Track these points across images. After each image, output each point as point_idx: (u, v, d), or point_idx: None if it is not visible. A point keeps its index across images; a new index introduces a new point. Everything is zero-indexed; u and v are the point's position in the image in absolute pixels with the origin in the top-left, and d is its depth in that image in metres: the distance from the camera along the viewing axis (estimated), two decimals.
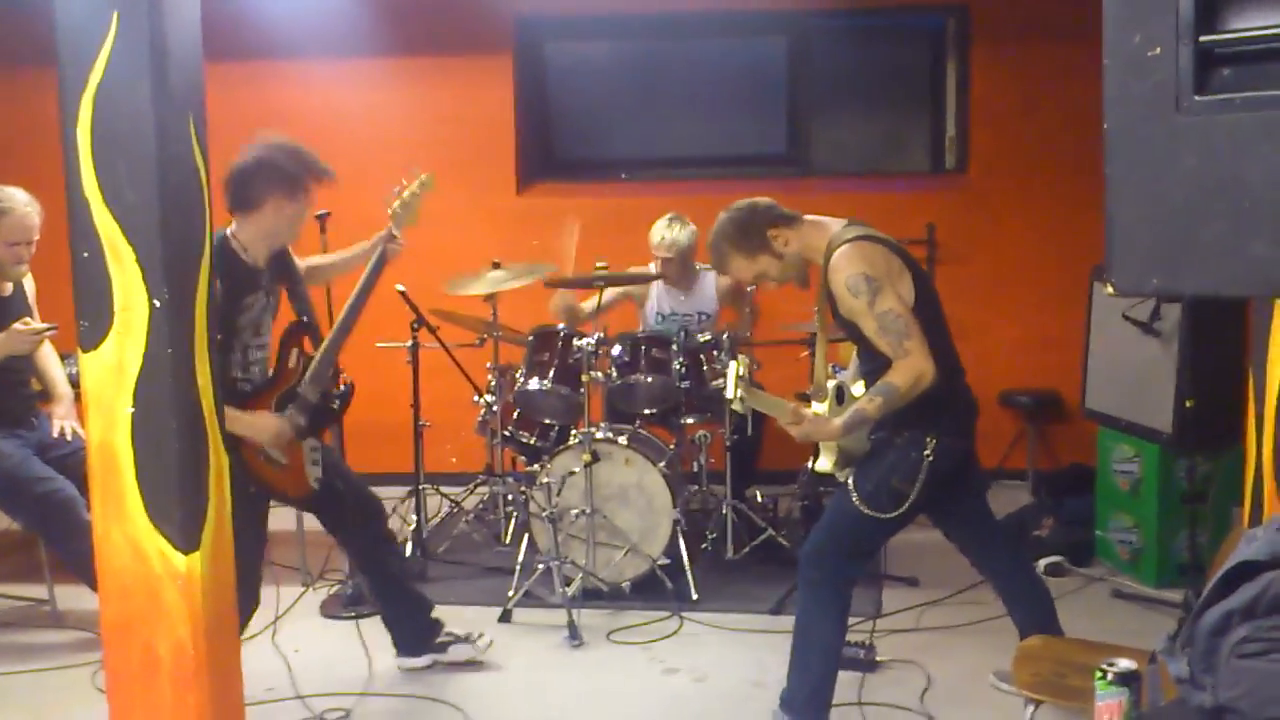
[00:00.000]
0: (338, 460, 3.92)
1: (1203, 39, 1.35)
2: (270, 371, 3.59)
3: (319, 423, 3.64)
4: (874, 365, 3.24)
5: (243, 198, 3.44)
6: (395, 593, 4.01)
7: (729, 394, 3.10)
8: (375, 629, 4.10)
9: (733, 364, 3.12)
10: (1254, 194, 1.33)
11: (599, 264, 4.77)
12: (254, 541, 3.52)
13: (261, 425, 3.46)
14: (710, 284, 5.45)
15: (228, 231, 3.45)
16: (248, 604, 3.35)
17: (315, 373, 3.58)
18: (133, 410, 2.56)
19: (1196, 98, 1.36)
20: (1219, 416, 4.26)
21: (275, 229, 3.49)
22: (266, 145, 3.47)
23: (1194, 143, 1.37)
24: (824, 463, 3.41)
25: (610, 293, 5.31)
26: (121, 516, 2.61)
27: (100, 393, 2.58)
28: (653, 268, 5.46)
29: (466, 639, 4.07)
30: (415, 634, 4.03)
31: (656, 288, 5.53)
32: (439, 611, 4.09)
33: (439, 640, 4.05)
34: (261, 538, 3.66)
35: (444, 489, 5.82)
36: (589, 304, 5.20)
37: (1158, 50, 1.38)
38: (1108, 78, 1.43)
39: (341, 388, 3.76)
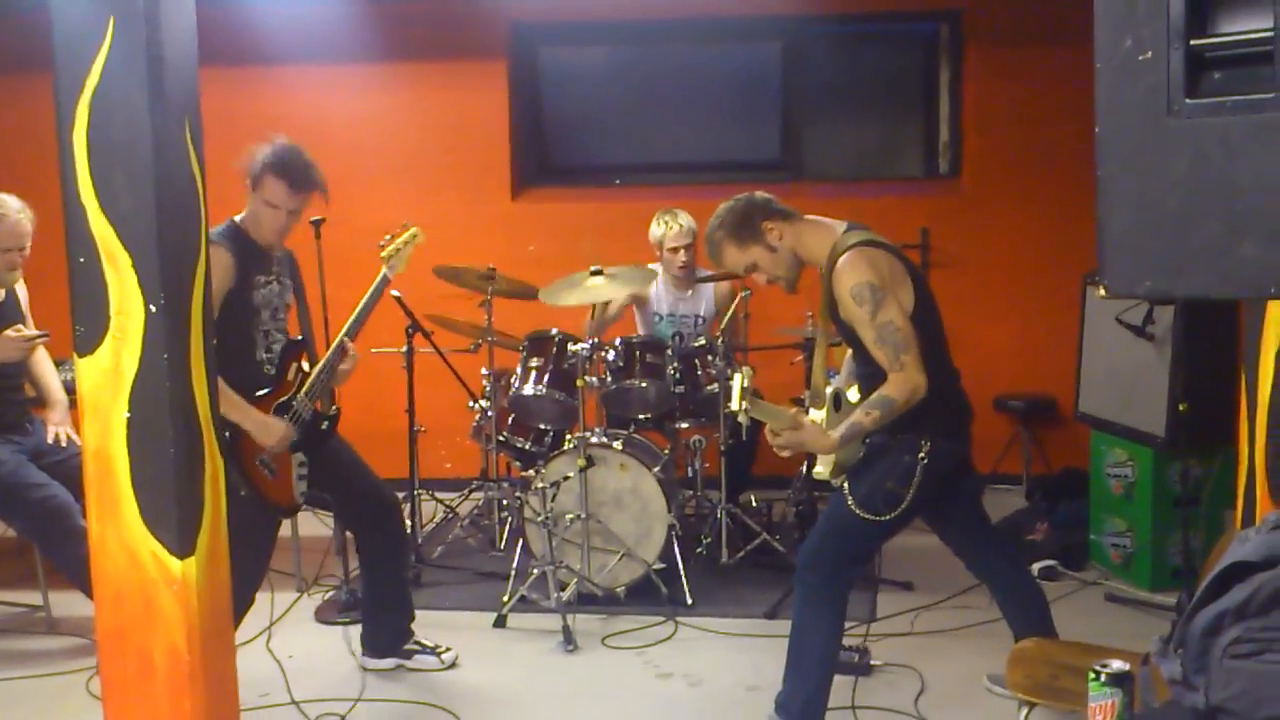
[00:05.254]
0: (354, 460, 3.94)
1: (1193, 43, 1.36)
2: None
3: (308, 440, 3.72)
4: (870, 369, 3.25)
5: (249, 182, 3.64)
6: (389, 594, 4.04)
7: (734, 406, 3.09)
8: None
9: (738, 375, 3.11)
10: (1245, 196, 1.34)
11: (593, 269, 4.76)
12: (253, 547, 3.59)
13: (272, 427, 3.57)
14: (709, 287, 5.45)
15: (237, 218, 3.64)
16: (240, 605, 3.38)
17: (310, 389, 3.71)
18: (129, 415, 2.56)
19: (1188, 101, 1.37)
20: (1212, 420, 4.27)
21: (254, 217, 3.63)
22: (273, 141, 3.63)
23: (1185, 146, 1.38)
24: (820, 469, 3.42)
25: (618, 299, 5.30)
26: (117, 521, 2.61)
27: (96, 398, 2.58)
28: (658, 270, 5.45)
29: (433, 650, 4.09)
30: (390, 637, 4.07)
31: (658, 287, 5.52)
32: (434, 616, 4.08)
33: (406, 647, 4.08)
34: (263, 547, 3.73)
35: (439, 494, 5.82)
36: (609, 312, 5.27)
37: (1149, 54, 1.39)
38: (1099, 82, 1.44)
39: (332, 410, 3.82)
